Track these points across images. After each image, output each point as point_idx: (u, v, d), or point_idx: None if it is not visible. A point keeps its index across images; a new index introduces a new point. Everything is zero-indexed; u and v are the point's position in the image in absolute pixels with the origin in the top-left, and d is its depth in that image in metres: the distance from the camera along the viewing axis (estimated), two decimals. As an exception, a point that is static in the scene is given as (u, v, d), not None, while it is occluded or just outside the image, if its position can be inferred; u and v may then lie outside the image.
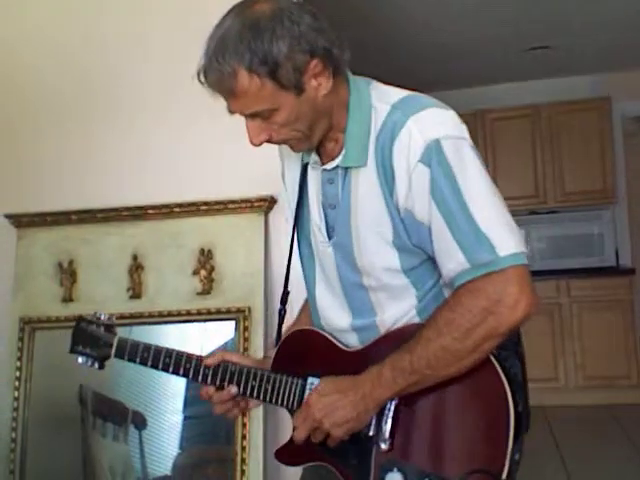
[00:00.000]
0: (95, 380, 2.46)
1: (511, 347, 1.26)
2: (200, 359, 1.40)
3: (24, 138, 2.63)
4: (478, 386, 1.17)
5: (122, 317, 2.41)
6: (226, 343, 2.42)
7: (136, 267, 2.42)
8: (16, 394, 2.43)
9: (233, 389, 1.37)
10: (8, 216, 2.55)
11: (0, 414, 2.44)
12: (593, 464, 3.92)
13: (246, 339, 2.31)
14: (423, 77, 5.32)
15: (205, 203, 2.40)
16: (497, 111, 5.61)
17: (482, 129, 5.60)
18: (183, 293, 2.39)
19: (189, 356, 1.41)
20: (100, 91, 2.58)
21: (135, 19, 2.56)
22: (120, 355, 1.48)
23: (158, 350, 1.43)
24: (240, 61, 1.12)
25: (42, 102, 2.62)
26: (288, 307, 1.54)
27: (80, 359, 1.54)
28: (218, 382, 1.38)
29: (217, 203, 2.40)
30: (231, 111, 1.21)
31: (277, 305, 2.26)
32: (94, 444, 2.51)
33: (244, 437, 2.25)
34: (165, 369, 1.42)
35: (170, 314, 2.39)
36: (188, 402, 2.42)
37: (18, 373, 2.44)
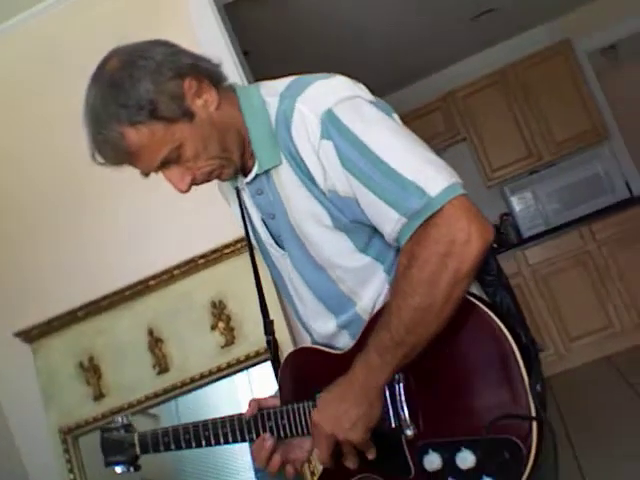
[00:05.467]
0: (155, 470, 2.35)
1: (494, 281, 1.20)
2: (215, 422, 1.34)
3: (21, 252, 2.62)
4: (471, 334, 1.09)
5: (156, 395, 2.36)
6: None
7: (155, 341, 2.37)
8: (77, 506, 2.36)
9: (267, 437, 1.29)
10: (18, 334, 2.51)
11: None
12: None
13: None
14: (388, 75, 5.30)
15: (202, 256, 2.35)
16: (465, 87, 5.54)
17: (456, 109, 5.51)
18: (208, 351, 2.32)
19: (204, 424, 1.34)
20: (79, 180, 2.55)
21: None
22: (145, 450, 1.43)
23: (176, 430, 1.37)
24: (119, 121, 1.09)
25: (39, 214, 2.62)
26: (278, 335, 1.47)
27: (118, 469, 1.48)
28: (239, 438, 1.32)
29: (213, 252, 2.35)
30: (145, 173, 1.18)
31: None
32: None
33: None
34: (188, 446, 1.36)
35: (202, 376, 2.32)
36: (260, 476, 2.35)
37: (73, 484, 2.37)
